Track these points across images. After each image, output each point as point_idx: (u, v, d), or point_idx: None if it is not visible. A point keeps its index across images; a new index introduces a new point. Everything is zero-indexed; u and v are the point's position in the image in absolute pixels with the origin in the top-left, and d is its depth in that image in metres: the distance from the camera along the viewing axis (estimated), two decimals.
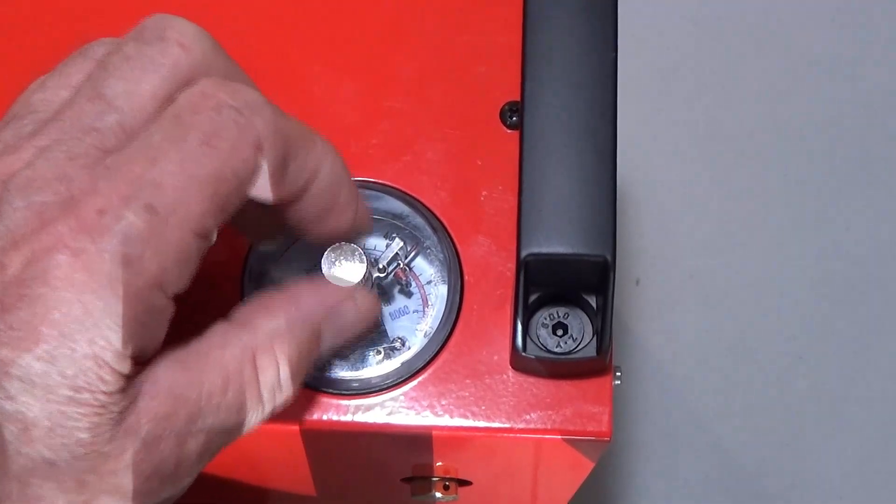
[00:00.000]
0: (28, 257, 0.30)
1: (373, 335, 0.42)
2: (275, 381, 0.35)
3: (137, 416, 0.31)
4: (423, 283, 0.43)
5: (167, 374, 0.32)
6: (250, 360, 0.35)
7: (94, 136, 0.32)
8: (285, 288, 0.37)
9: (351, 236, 0.38)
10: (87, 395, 0.30)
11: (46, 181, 0.31)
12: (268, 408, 0.36)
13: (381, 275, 0.42)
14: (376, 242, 0.43)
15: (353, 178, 0.42)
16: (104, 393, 0.30)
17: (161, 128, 0.32)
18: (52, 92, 0.34)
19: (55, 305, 0.30)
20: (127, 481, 0.32)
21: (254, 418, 0.35)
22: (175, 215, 0.31)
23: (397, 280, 0.42)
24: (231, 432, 0.35)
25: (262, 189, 0.34)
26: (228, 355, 0.34)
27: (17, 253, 0.30)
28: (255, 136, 0.33)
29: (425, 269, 0.43)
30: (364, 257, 0.38)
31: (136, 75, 0.33)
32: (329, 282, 0.38)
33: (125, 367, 0.31)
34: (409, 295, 0.42)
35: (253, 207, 0.36)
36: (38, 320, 0.30)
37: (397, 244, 0.42)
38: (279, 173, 0.34)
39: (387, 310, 0.42)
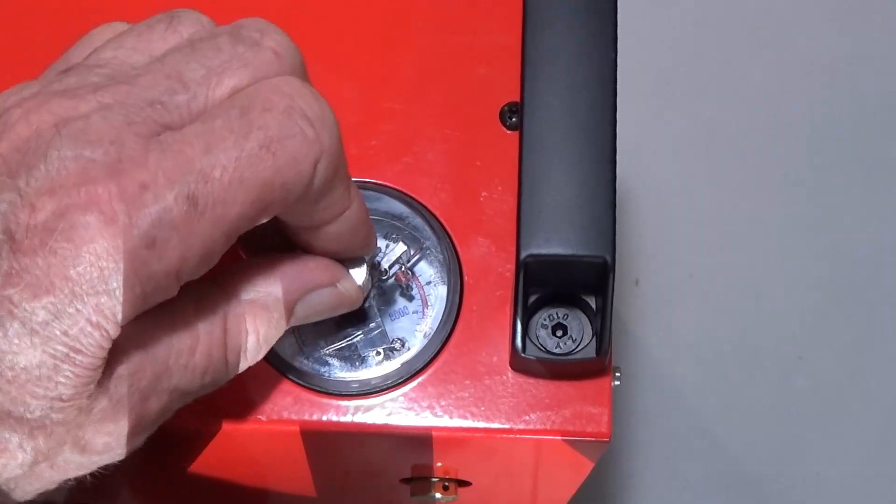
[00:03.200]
0: (60, 208, 0.29)
1: (373, 335, 0.42)
2: (241, 348, 0.35)
3: (109, 373, 0.31)
4: (422, 284, 0.43)
5: (139, 331, 0.32)
6: (221, 325, 0.34)
7: (158, 109, 0.31)
8: (273, 259, 0.37)
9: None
10: (82, 358, 0.30)
11: (100, 138, 0.30)
12: (231, 373, 0.35)
13: (383, 277, 0.42)
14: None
15: (353, 180, 0.41)
16: (98, 358, 0.30)
17: (225, 114, 0.31)
18: (126, 52, 0.33)
19: (73, 263, 0.29)
20: (90, 436, 0.32)
21: (216, 381, 0.35)
22: (213, 212, 0.31)
23: (398, 283, 0.42)
24: (192, 394, 0.34)
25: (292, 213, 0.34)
26: (202, 318, 0.34)
27: (51, 200, 0.30)
28: (318, 152, 0.32)
29: (425, 269, 0.43)
30: (365, 260, 0.38)
31: (222, 67, 0.32)
32: (317, 260, 0.37)
33: (117, 333, 0.31)
34: (409, 298, 0.42)
35: (264, 228, 0.36)
36: (53, 272, 0.29)
37: (400, 248, 0.42)
38: (315, 197, 0.33)
39: (386, 311, 0.42)
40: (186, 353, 0.33)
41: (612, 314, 0.39)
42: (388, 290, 0.42)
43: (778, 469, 0.83)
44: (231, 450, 0.44)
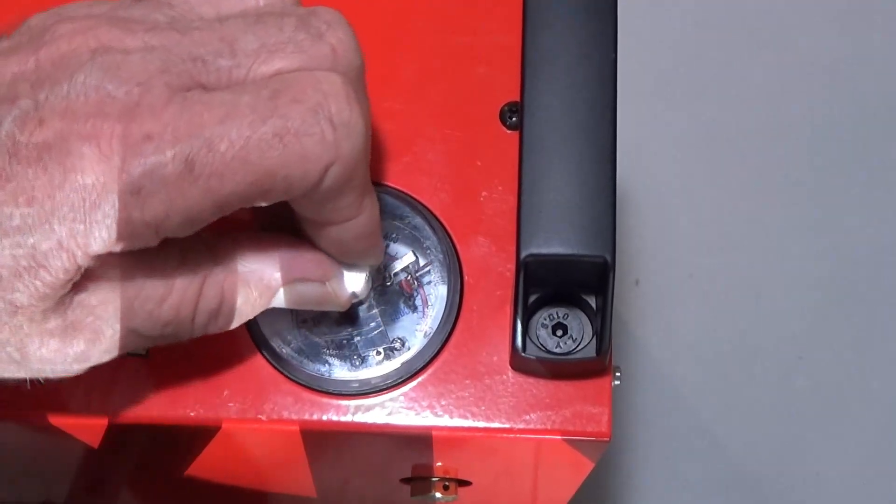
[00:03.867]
0: (64, 131, 0.30)
1: (373, 335, 0.42)
2: (212, 313, 0.35)
3: (72, 296, 0.32)
4: (422, 284, 0.43)
5: (117, 266, 0.32)
6: (198, 286, 0.34)
7: (198, 65, 0.32)
8: (272, 238, 0.36)
9: None
10: (45, 274, 0.31)
11: (129, 77, 0.31)
12: (196, 333, 0.35)
13: (387, 283, 0.42)
14: None
15: None
16: (61, 279, 0.31)
17: (257, 92, 0.31)
18: (197, 2, 0.34)
19: (60, 185, 0.30)
20: (34, 347, 0.32)
21: (177, 335, 0.35)
22: (206, 181, 0.31)
23: (401, 290, 0.42)
24: (148, 340, 0.35)
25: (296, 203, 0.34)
26: (182, 273, 0.34)
27: (60, 121, 0.30)
28: (332, 157, 0.32)
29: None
30: (367, 267, 0.38)
31: (276, 46, 0.32)
32: (314, 253, 0.37)
33: (88, 264, 0.31)
34: (412, 307, 0.42)
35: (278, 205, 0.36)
36: (38, 185, 0.30)
37: (409, 257, 0.42)
38: (320, 199, 0.33)
39: (387, 310, 0.42)
40: (155, 302, 0.33)
41: (612, 314, 0.39)
42: (389, 292, 0.42)
43: (778, 469, 0.83)
44: (231, 450, 0.44)
